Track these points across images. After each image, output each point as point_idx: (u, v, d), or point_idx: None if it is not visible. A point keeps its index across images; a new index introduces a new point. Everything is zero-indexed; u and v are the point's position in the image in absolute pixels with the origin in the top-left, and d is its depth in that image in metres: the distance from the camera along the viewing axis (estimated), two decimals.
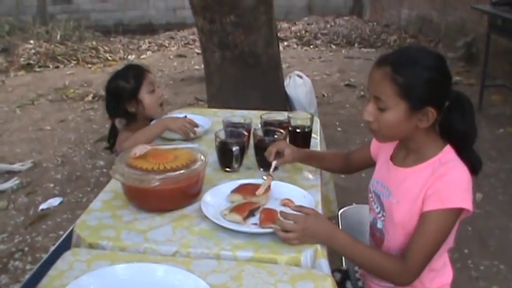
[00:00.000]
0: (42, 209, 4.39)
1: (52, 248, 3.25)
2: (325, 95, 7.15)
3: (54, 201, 4.54)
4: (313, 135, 2.57)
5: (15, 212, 4.40)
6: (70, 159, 5.40)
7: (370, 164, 2.14)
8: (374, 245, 2.02)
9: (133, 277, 1.53)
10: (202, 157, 2.05)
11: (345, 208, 2.86)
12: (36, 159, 5.36)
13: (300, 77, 5.63)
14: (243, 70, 5.07)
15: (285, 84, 5.57)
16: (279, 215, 1.79)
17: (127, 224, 1.90)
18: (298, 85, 5.51)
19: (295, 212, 1.81)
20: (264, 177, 2.08)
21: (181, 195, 1.98)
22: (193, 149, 2.13)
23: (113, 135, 3.04)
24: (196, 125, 2.65)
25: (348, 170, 2.35)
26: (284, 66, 7.77)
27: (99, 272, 1.53)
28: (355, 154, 2.30)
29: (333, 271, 2.29)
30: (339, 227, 2.59)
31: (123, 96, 2.88)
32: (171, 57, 9.64)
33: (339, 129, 5.94)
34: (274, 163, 2.16)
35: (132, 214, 1.95)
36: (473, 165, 1.83)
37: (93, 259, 1.66)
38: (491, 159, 5.01)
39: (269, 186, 2.04)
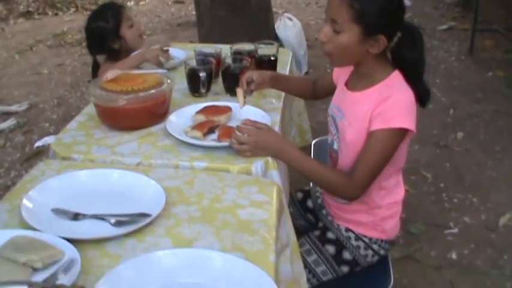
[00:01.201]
0: (37, 147, 4.56)
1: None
2: (318, 38, 7.24)
3: (49, 139, 4.69)
4: (282, 67, 2.72)
5: (12, 149, 4.59)
6: (66, 100, 5.55)
7: (333, 90, 2.27)
8: (331, 166, 2.16)
9: (93, 179, 1.70)
10: (168, 81, 2.20)
11: (318, 139, 2.99)
12: (33, 101, 5.51)
13: (290, 19, 5.73)
14: (233, 12, 5.18)
15: (276, 26, 5.67)
16: (235, 129, 1.95)
17: (98, 140, 2.06)
18: (288, 27, 5.62)
19: (249, 127, 1.95)
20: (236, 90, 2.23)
21: (147, 115, 2.13)
22: (161, 74, 2.28)
23: (95, 70, 3.18)
24: (168, 56, 2.79)
25: (315, 95, 2.48)
26: (280, 11, 7.87)
27: (64, 176, 1.70)
28: (321, 80, 2.43)
29: (296, 191, 2.47)
30: (311, 156, 2.75)
31: (106, 36, 3.00)
32: (169, 3, 9.67)
33: (329, 70, 6.02)
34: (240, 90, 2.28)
35: (104, 133, 2.11)
36: (422, 96, 1.97)
37: (63, 168, 1.83)
38: (477, 101, 5.11)
39: (244, 97, 2.19)
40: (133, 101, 2.07)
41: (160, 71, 2.41)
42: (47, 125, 5.00)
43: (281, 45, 5.42)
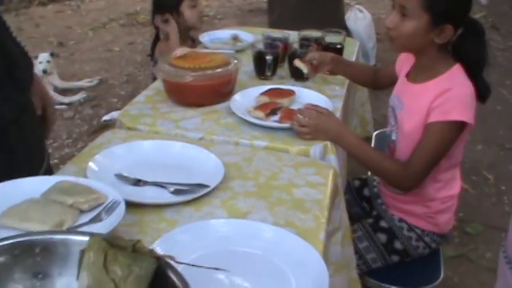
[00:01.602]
0: (104, 120, 4.70)
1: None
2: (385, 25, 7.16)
3: (116, 114, 4.81)
4: (348, 57, 2.74)
5: (80, 121, 4.75)
6: (135, 78, 5.68)
7: (395, 81, 2.27)
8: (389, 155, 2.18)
9: (156, 149, 1.77)
10: (235, 61, 2.25)
11: (379, 131, 3.00)
12: (103, 76, 5.67)
13: (361, 11, 5.72)
14: (304, 0, 5.20)
15: (346, 17, 5.67)
16: (297, 112, 1.98)
17: (163, 114, 2.13)
18: (358, 19, 5.61)
19: (311, 111, 1.99)
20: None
21: (213, 92, 2.19)
22: (229, 55, 2.33)
23: (155, 45, 3.28)
24: None
25: (375, 85, 2.49)
26: (352, 2, 7.83)
27: (129, 144, 1.77)
28: (383, 70, 2.44)
29: (353, 179, 2.50)
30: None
31: (166, 6, 3.11)
32: None
33: None
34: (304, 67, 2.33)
35: (169, 107, 2.18)
36: (481, 92, 1.97)
37: (128, 137, 1.90)
38: None
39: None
40: (200, 79, 2.13)
41: (228, 51, 2.47)
42: (115, 100, 5.15)
43: (350, 36, 5.42)
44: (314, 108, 2.00)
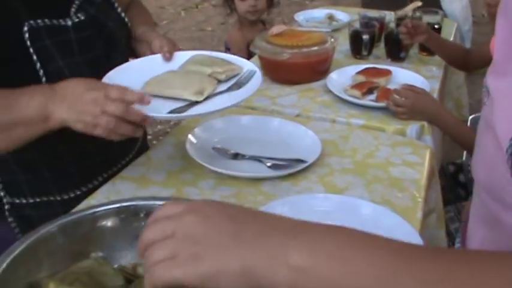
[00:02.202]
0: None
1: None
2: (485, 15, 6.97)
3: None
4: (446, 37, 2.68)
5: None
6: None
7: (488, 62, 2.20)
8: None
9: (254, 124, 1.79)
10: (332, 39, 2.24)
11: (475, 115, 2.93)
12: None
13: None
14: None
15: None
16: (393, 92, 1.96)
17: (260, 90, 2.08)
18: (454, 0, 5.47)
19: (408, 91, 1.96)
20: None
21: (309, 70, 2.20)
22: (326, 33, 2.33)
23: None
24: None
25: (466, 65, 2.44)
26: None
27: (227, 118, 1.80)
28: (476, 50, 2.39)
29: (447, 163, 2.46)
30: None
31: None
32: None
33: None
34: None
35: (266, 84, 2.19)
36: None
37: (225, 112, 1.93)
38: None
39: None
40: (297, 56, 2.15)
41: (324, 29, 2.47)
42: None
43: (445, 17, 5.30)
44: (411, 88, 1.98)
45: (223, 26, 6.74)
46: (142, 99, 1.30)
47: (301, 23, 2.90)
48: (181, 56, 1.62)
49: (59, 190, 1.55)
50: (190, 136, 1.68)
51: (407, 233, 1.27)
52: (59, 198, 1.55)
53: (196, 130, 1.72)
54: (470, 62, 2.39)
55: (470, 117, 2.95)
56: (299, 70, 2.18)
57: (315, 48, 2.17)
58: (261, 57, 2.24)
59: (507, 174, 0.73)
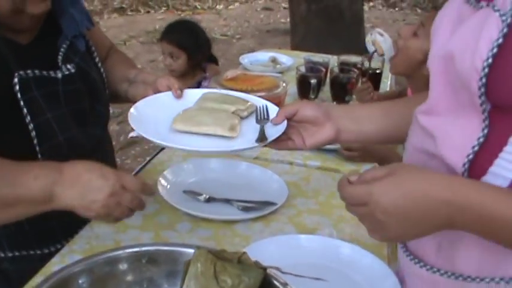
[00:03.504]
0: (131, 137, 4.81)
1: (136, 169, 3.66)
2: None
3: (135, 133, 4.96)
4: (383, 79, 2.84)
5: None
6: None
7: None
8: None
9: (223, 168, 1.87)
10: (283, 84, 2.35)
11: None
12: None
13: (381, 34, 5.82)
14: (327, 23, 5.34)
15: (366, 40, 5.77)
16: None
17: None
18: (378, 42, 5.73)
19: None
20: None
21: None
22: (277, 78, 2.44)
23: None
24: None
25: None
26: (368, 25, 7.94)
27: (196, 161, 1.87)
28: (405, 92, 2.57)
29: None
30: None
31: None
32: (258, 9, 9.92)
33: None
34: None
35: None
36: None
37: (188, 155, 2.00)
38: None
39: None
40: None
41: (274, 74, 2.58)
42: None
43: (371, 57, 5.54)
44: None
45: (153, 64, 6.81)
46: (152, 191, 1.39)
47: (246, 66, 3.00)
48: (192, 94, 1.64)
49: (39, 244, 1.56)
50: (160, 179, 1.74)
51: (383, 269, 1.38)
52: (39, 252, 1.56)
53: (165, 173, 1.78)
54: None
55: None
56: None
57: (269, 92, 2.27)
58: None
59: None
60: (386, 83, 2.96)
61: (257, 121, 1.50)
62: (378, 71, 2.73)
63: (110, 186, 1.25)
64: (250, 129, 1.49)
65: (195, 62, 3.54)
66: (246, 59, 3.08)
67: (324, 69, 2.63)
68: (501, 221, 0.91)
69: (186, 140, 1.42)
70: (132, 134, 4.86)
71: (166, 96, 1.59)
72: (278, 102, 2.27)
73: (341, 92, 2.53)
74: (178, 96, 1.59)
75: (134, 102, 1.56)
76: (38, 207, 1.28)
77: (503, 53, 0.88)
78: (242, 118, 1.55)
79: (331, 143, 1.43)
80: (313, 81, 2.51)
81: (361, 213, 1.04)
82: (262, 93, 2.24)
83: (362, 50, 5.46)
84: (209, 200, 1.67)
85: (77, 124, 1.52)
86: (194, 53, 3.54)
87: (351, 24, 5.47)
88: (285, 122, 1.42)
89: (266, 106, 1.56)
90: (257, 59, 3.11)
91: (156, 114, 1.50)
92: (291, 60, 3.06)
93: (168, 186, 1.72)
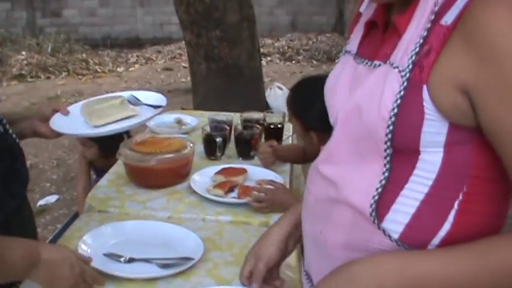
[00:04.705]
0: (40, 205, 4.79)
1: (50, 237, 3.69)
2: None
3: (51, 198, 4.95)
4: (285, 132, 3.01)
5: None
6: (64, 161, 5.79)
7: None
8: None
9: (139, 229, 1.96)
10: (191, 144, 2.48)
11: None
12: (33, 161, 5.73)
13: (280, 88, 6.09)
14: (227, 81, 5.51)
15: (266, 94, 6.01)
16: (252, 189, 2.21)
17: (129, 196, 2.32)
18: (278, 96, 5.97)
19: (267, 186, 2.22)
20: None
21: (174, 174, 2.40)
22: (184, 139, 2.56)
23: None
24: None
25: (306, 161, 2.77)
26: (267, 80, 8.21)
27: (113, 224, 1.96)
28: (311, 147, 2.72)
29: None
30: None
31: None
32: (158, 70, 10.05)
33: None
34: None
35: (133, 190, 2.37)
36: None
37: (104, 219, 2.08)
38: None
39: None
40: (162, 162, 2.34)
41: (181, 135, 2.70)
42: (48, 184, 5.24)
43: (271, 113, 5.74)
44: (270, 183, 2.24)
45: None
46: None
47: (153, 128, 3.10)
48: (74, 107, 2.09)
49: None
50: (80, 244, 1.81)
51: None
52: None
53: (85, 238, 1.85)
54: (308, 157, 2.71)
55: None
56: (165, 175, 2.38)
57: (178, 153, 2.38)
58: (126, 164, 2.41)
59: (372, 227, 1.08)
60: (288, 136, 3.11)
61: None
62: (279, 126, 2.89)
63: (74, 278, 1.47)
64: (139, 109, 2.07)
65: (108, 150, 3.55)
66: (152, 122, 3.17)
67: (228, 127, 2.77)
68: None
69: (111, 126, 1.97)
70: (40, 202, 4.84)
71: (58, 116, 2.00)
72: (187, 162, 2.40)
73: (246, 148, 2.68)
74: (67, 113, 2.02)
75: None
76: (8, 278, 1.45)
77: (406, 103, 1.00)
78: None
79: None
80: (218, 139, 2.64)
81: None
82: (171, 155, 2.36)
83: (263, 105, 5.72)
84: (130, 260, 1.76)
85: (0, 183, 1.60)
86: (106, 144, 3.56)
87: (250, 80, 5.66)
88: None
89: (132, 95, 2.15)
90: (163, 121, 3.21)
91: (69, 124, 1.96)
92: (195, 120, 3.19)
93: (89, 251, 1.79)
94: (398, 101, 1.00)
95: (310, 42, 12.06)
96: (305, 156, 2.72)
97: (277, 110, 5.75)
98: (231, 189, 2.32)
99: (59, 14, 13.14)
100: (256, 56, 5.75)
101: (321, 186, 1.21)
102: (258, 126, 2.79)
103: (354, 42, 1.26)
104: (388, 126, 1.02)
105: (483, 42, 0.93)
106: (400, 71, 1.02)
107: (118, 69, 10.27)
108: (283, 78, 9.01)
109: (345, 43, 1.33)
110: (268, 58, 10.86)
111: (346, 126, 1.16)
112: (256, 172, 2.50)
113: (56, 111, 2.00)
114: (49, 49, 10.68)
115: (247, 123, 2.84)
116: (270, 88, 6.08)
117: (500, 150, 0.98)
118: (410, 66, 1.01)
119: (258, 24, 5.85)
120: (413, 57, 1.01)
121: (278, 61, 10.94)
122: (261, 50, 6.77)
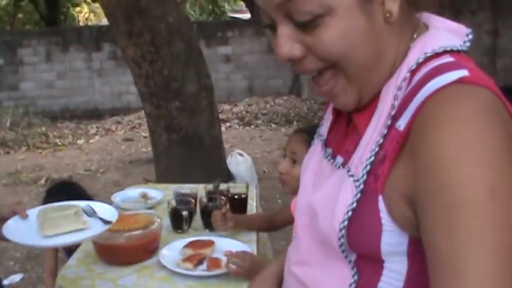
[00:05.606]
0: (4, 285, 4.71)
1: None
2: (266, 171, 7.65)
3: (16, 277, 4.90)
4: (249, 201, 3.08)
5: None
6: None
7: (291, 221, 2.59)
8: None
9: None
10: (158, 220, 2.53)
11: None
12: None
13: (241, 155, 6.18)
14: (188, 151, 5.59)
15: (227, 162, 6.09)
16: (226, 257, 2.26)
17: (100, 274, 2.34)
18: (239, 162, 6.06)
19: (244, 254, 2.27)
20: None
21: (143, 251, 2.44)
22: (150, 214, 2.61)
23: None
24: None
25: (272, 228, 2.85)
26: (227, 146, 8.31)
27: None
28: (278, 215, 2.79)
29: None
30: None
31: None
32: (119, 140, 10.09)
33: (279, 201, 6.40)
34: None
35: (103, 268, 2.40)
36: None
37: None
38: None
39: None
40: (131, 239, 2.38)
41: (148, 211, 2.75)
42: (12, 263, 5.17)
43: (234, 180, 5.83)
44: (243, 253, 2.29)
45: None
46: None
47: (118, 204, 3.13)
48: (32, 211, 2.06)
49: None
50: None
51: None
52: None
53: None
54: (274, 225, 2.78)
55: None
56: (134, 251, 2.41)
57: (146, 229, 2.43)
58: (95, 243, 2.45)
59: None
60: (253, 205, 3.18)
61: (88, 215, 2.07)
62: (243, 196, 2.96)
63: None
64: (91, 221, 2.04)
65: None
66: (117, 197, 3.22)
67: (193, 200, 2.83)
68: None
69: (58, 239, 1.91)
70: (4, 282, 4.77)
71: (14, 220, 1.97)
72: (155, 237, 2.44)
73: (211, 220, 2.73)
74: (26, 217, 2.00)
75: None
76: None
77: (358, 215, 0.96)
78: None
79: None
80: (184, 213, 2.70)
81: None
82: (140, 232, 2.40)
83: (225, 173, 5.80)
84: None
85: None
86: None
87: (211, 148, 5.75)
88: None
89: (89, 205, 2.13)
90: (128, 196, 3.26)
91: (22, 229, 1.94)
92: (160, 193, 3.24)
93: None
94: (349, 213, 0.97)
95: (268, 106, 12.26)
96: (271, 224, 2.79)
97: (239, 177, 5.92)
98: (200, 262, 2.36)
99: (16, 87, 13.19)
100: (215, 123, 5.87)
101: (294, 286, 1.20)
102: (223, 197, 2.85)
103: (325, 126, 1.27)
104: (339, 239, 0.99)
105: (425, 153, 0.88)
106: (354, 181, 0.99)
107: (78, 141, 10.27)
108: (242, 143, 9.13)
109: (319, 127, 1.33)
110: (227, 124, 11.00)
111: (309, 229, 1.13)
112: (224, 243, 2.55)
113: (14, 213, 2.01)
114: (8, 123, 10.67)
115: (211, 195, 2.91)
116: (231, 155, 6.16)
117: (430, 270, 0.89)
118: (365, 177, 0.97)
119: (215, 90, 5.98)
120: (368, 167, 0.97)
121: (237, 126, 11.09)
122: (220, 116, 6.89)
